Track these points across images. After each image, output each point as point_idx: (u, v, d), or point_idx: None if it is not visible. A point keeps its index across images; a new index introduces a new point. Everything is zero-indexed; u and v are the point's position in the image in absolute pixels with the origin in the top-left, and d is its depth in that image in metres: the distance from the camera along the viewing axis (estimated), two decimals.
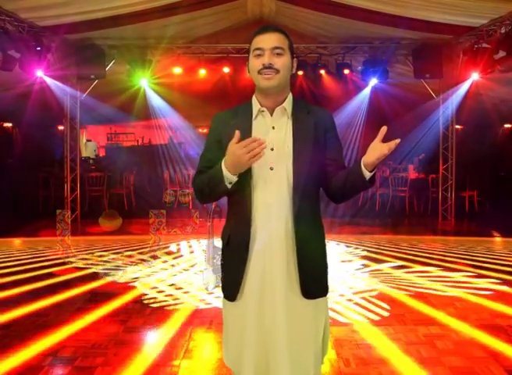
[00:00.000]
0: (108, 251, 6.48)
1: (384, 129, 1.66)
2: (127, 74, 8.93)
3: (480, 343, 3.40)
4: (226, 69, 9.40)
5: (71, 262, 5.76)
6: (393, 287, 4.75)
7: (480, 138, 11.17)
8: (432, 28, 7.49)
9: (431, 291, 4.63)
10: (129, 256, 6.14)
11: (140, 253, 6.30)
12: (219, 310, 3.70)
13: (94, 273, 5.30)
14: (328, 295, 1.87)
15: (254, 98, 1.83)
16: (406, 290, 4.68)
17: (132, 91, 9.70)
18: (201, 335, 3.60)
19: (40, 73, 7.86)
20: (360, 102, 10.52)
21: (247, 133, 1.76)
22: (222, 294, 1.87)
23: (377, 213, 9.64)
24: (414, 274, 5.28)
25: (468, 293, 4.59)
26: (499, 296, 4.50)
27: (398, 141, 1.60)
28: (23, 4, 6.37)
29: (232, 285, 1.79)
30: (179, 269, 5.50)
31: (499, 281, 4.96)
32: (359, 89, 10.22)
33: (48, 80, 8.34)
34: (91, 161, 12.88)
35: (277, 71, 1.73)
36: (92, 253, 6.32)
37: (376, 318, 3.92)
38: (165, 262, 5.89)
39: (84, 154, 13.32)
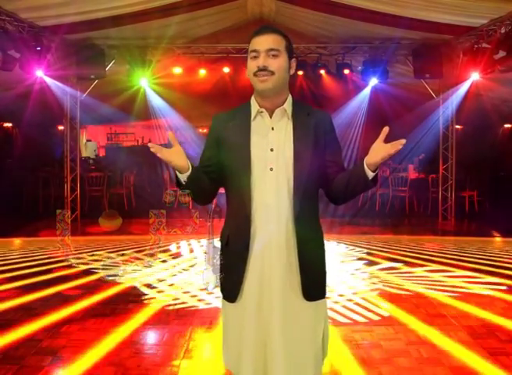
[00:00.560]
0: (107, 251, 6.48)
1: (386, 129, 1.66)
2: (127, 74, 8.92)
3: (480, 343, 3.40)
4: (226, 69, 9.40)
5: (70, 262, 5.76)
6: (393, 287, 4.75)
7: (480, 138, 11.17)
8: (432, 28, 7.49)
9: (431, 291, 4.62)
10: (129, 256, 6.14)
11: (140, 253, 6.30)
12: (219, 310, 3.70)
13: (94, 273, 5.30)
14: (327, 295, 1.87)
15: (253, 98, 1.83)
16: (406, 290, 4.68)
17: (132, 91, 9.70)
18: (201, 335, 3.60)
19: (40, 73, 7.85)
20: (360, 102, 10.51)
21: (245, 133, 1.77)
22: (221, 295, 1.87)
23: (377, 213, 9.64)
24: (414, 274, 5.28)
25: (468, 293, 4.59)
26: (499, 296, 4.50)
27: (403, 141, 1.60)
28: (23, 4, 6.36)
29: (231, 286, 1.79)
30: (179, 269, 5.50)
31: (499, 281, 4.96)
32: (359, 89, 10.21)
33: (48, 80, 8.33)
34: (91, 161, 12.87)
35: (272, 73, 1.72)
36: (92, 253, 6.32)
37: (376, 318, 3.92)
38: (165, 262, 5.89)
39: (84, 154, 13.31)
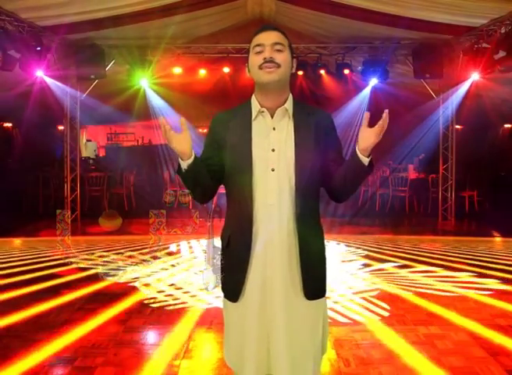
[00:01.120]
0: (108, 251, 6.48)
1: (367, 114, 1.66)
2: (127, 74, 8.93)
3: (480, 343, 3.40)
4: (226, 69, 9.40)
5: (71, 262, 5.76)
6: (393, 287, 4.75)
7: (480, 138, 11.18)
8: (432, 28, 7.49)
9: (431, 291, 4.62)
10: (130, 256, 6.13)
11: (140, 253, 6.30)
12: (219, 310, 3.70)
13: (94, 273, 5.30)
14: (327, 295, 1.88)
15: (253, 98, 1.82)
16: (406, 290, 4.68)
17: (132, 91, 9.69)
18: (201, 335, 3.60)
19: (40, 73, 7.86)
20: (360, 102, 10.51)
21: (247, 134, 1.76)
22: (222, 294, 1.87)
23: (377, 213, 9.64)
24: (414, 274, 5.28)
25: (468, 293, 4.59)
26: (499, 296, 4.50)
27: (386, 112, 1.61)
28: (23, 4, 6.36)
29: (233, 286, 1.79)
30: (179, 269, 5.50)
31: (499, 281, 4.96)
32: (359, 89, 10.21)
33: (48, 80, 8.34)
34: (91, 161, 12.87)
35: (278, 65, 1.72)
36: (92, 253, 6.32)
37: (376, 318, 3.92)
38: (165, 262, 5.89)
39: (84, 154, 13.31)
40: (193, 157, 1.69)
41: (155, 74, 9.31)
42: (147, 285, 4.83)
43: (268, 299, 1.73)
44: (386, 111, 1.62)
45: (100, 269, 5.42)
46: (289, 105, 1.80)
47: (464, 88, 8.71)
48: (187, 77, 9.63)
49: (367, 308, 4.12)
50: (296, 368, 1.72)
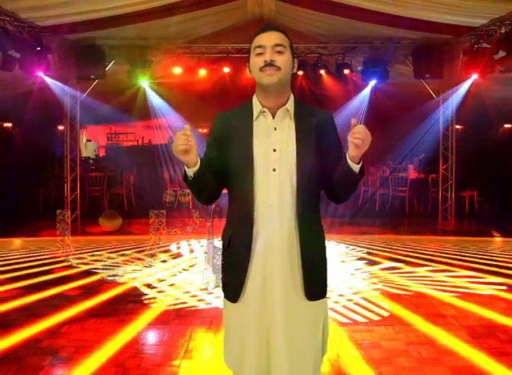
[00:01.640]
0: (108, 251, 6.48)
1: (353, 121, 1.67)
2: (127, 74, 8.93)
3: (480, 343, 3.39)
4: (226, 69, 9.40)
5: (71, 263, 5.76)
6: (393, 287, 4.75)
7: (480, 138, 11.16)
8: (432, 28, 7.50)
9: (431, 291, 4.62)
10: (129, 256, 6.14)
11: (140, 253, 6.30)
12: (219, 310, 3.71)
13: (94, 273, 5.30)
14: (328, 295, 1.87)
15: (254, 98, 1.82)
16: (406, 290, 4.68)
17: (132, 91, 9.70)
18: (201, 335, 3.60)
19: (40, 73, 7.86)
20: (360, 102, 10.51)
21: (248, 134, 1.76)
22: (222, 294, 1.86)
23: (377, 213, 9.64)
24: (414, 274, 5.28)
25: (468, 293, 4.59)
26: (499, 296, 4.50)
27: (353, 121, 1.64)
28: (23, 4, 6.37)
29: (234, 286, 1.79)
30: (179, 269, 5.50)
31: (499, 281, 4.96)
32: (359, 89, 10.22)
33: (48, 80, 8.34)
34: (91, 161, 12.87)
35: (278, 68, 1.72)
36: (92, 253, 6.32)
37: (376, 318, 3.92)
38: (165, 262, 5.89)
39: (84, 154, 13.30)
40: (198, 164, 1.69)
41: (155, 74, 9.32)
42: (147, 285, 4.82)
43: (269, 299, 1.73)
44: (353, 119, 1.63)
45: (100, 270, 5.42)
46: (290, 105, 1.80)
47: (464, 88, 8.72)
48: (187, 77, 9.63)
49: (367, 309, 4.12)
50: (296, 369, 1.72)
